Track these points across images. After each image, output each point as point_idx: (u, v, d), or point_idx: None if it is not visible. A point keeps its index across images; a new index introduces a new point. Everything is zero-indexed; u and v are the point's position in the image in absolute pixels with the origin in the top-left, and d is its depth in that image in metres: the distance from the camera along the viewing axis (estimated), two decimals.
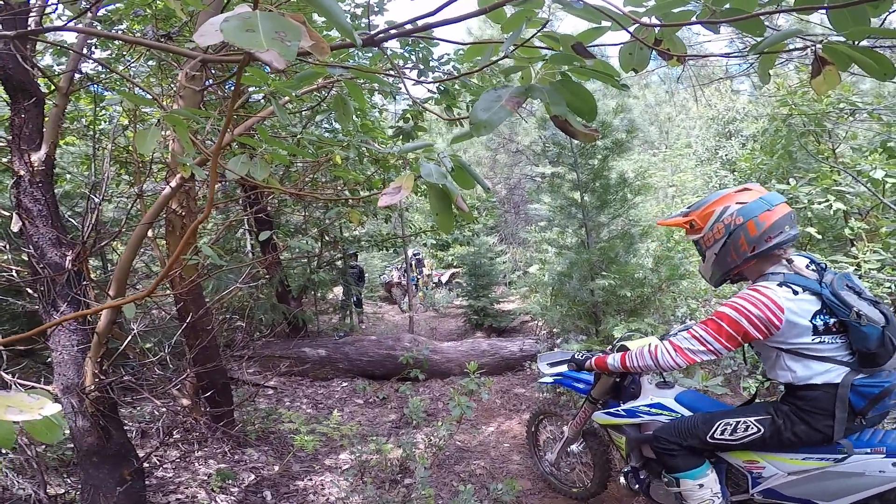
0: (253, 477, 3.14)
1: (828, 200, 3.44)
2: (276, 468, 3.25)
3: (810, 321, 1.59)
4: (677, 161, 11.17)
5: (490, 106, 0.71)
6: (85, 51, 2.86)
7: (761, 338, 1.61)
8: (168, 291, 2.62)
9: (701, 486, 1.86)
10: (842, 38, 0.73)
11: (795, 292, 1.59)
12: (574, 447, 2.73)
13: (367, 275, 10.29)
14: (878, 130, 4.04)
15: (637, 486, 2.30)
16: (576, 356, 2.23)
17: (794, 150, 4.24)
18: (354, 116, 3.49)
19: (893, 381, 1.61)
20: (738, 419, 1.78)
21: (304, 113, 4.11)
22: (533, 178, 10.65)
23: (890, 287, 3.01)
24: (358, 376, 5.33)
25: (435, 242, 8.83)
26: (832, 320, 1.60)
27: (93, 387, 2.05)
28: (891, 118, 4.00)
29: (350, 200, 3.78)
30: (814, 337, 1.60)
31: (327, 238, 6.55)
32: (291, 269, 6.50)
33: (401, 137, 3.74)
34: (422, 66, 3.24)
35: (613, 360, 2.00)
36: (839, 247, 3.88)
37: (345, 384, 5.18)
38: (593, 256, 4.12)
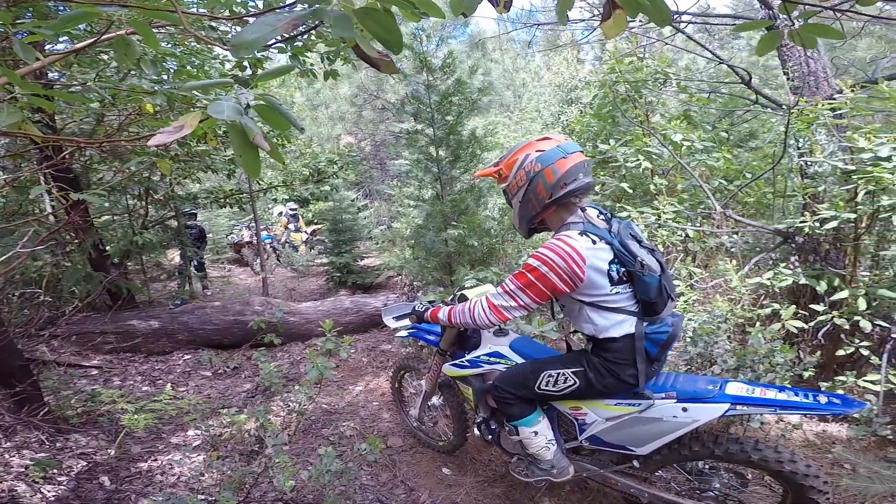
0: (84, 463, 2.74)
1: (638, 160, 3.98)
2: (112, 452, 2.86)
3: (607, 272, 1.61)
4: (527, 124, 12.02)
5: (262, 28, 0.64)
6: None
7: (567, 290, 1.62)
8: None
9: (535, 433, 1.93)
10: None
11: (594, 242, 1.61)
12: (434, 401, 2.78)
13: (210, 235, 9.25)
14: (683, 100, 4.78)
15: (490, 436, 2.35)
16: (416, 308, 2.22)
17: (618, 116, 4.81)
18: (182, 65, 2.96)
19: (674, 327, 1.70)
20: (558, 371, 1.82)
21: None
22: (396, 135, 10.49)
23: (681, 235, 3.66)
24: (203, 347, 4.84)
25: (288, 198, 8.22)
26: (622, 269, 1.64)
27: None
28: (693, 90, 4.77)
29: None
30: (611, 287, 1.62)
31: (154, 196, 5.63)
32: (110, 233, 5.49)
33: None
34: (239, 12, 2.82)
35: (443, 313, 1.99)
36: (647, 200, 4.57)
37: (187, 357, 4.66)
38: (446, 208, 4.26)
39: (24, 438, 2.79)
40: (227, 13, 2.72)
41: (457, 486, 2.58)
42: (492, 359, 2.19)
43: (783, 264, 3.06)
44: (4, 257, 2.41)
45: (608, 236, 1.64)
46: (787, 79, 3.64)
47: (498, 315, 1.73)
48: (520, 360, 2.10)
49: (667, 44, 4.96)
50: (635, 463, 1.91)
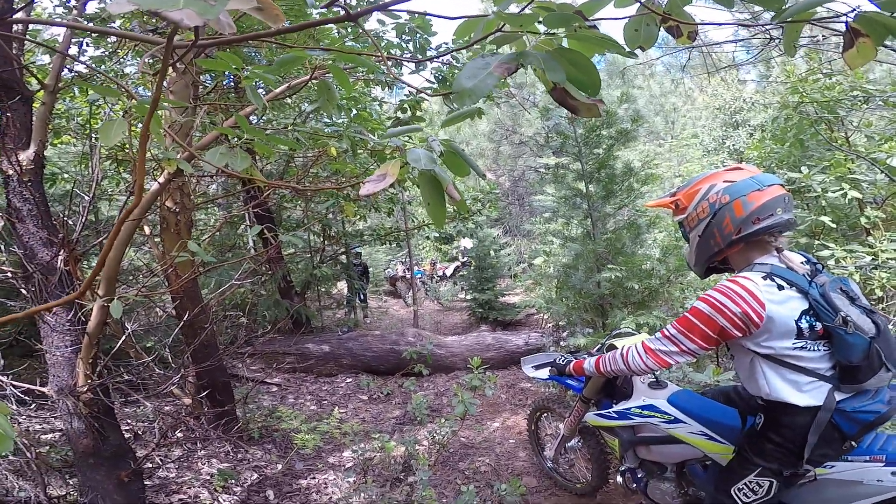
0: (255, 476, 3.11)
1: (842, 188, 3.32)
2: (279, 467, 3.22)
3: (795, 322, 1.40)
4: (683, 151, 11.02)
5: (476, 73, 0.64)
6: (74, 50, 2.82)
7: (740, 335, 1.43)
8: (163, 290, 2.57)
9: None
10: (876, 8, 0.64)
11: (781, 287, 1.41)
12: (571, 444, 2.68)
13: (371, 269, 10.26)
14: (892, 118, 3.91)
15: (635, 485, 2.22)
16: (557, 360, 2.15)
17: (806, 139, 4.11)
18: (351, 108, 3.40)
19: (890, 406, 1.45)
20: (742, 482, 1.59)
21: (304, 108, 4.04)
22: (537, 170, 10.53)
23: None
24: (362, 372, 5.30)
25: (438, 236, 8.73)
26: (818, 325, 1.41)
27: (85, 388, 2.01)
28: None
29: (346, 192, 3.70)
30: (796, 341, 1.41)
31: (329, 233, 6.50)
32: (294, 265, 6.47)
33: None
34: (419, 56, 3.14)
35: (590, 364, 1.89)
36: (853, 236, 3.76)
37: (349, 380, 5.15)
38: (599, 247, 4.03)
39: (215, 449, 3.26)
40: (395, 52, 3.04)
41: None
42: (644, 412, 2.02)
43: None
44: (223, 287, 2.98)
45: (804, 284, 1.41)
46: None
47: (656, 360, 1.57)
48: (679, 415, 1.91)
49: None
50: None
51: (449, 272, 11.58)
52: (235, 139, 1.23)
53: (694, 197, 1.58)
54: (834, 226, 3.54)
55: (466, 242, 9.31)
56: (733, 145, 10.18)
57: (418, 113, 3.76)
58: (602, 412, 2.20)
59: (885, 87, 4.00)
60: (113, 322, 2.33)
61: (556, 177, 4.42)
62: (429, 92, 3.03)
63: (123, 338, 2.20)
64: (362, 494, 2.66)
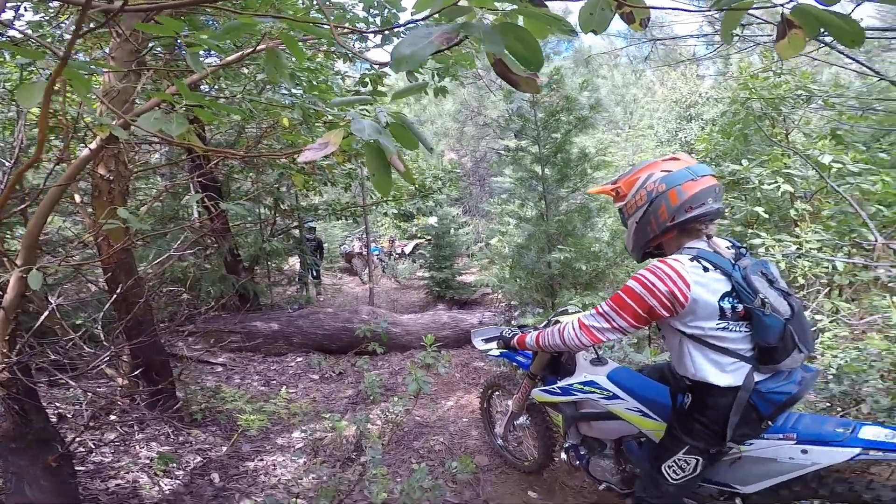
0: (199, 459, 3.01)
1: (776, 182, 3.52)
2: (224, 449, 3.13)
3: (718, 302, 1.47)
4: (639, 141, 11.38)
5: (417, 41, 0.63)
6: (10, 15, 2.53)
7: (667, 315, 1.50)
8: (92, 261, 2.39)
9: None
10: (812, 1, 0.66)
11: (706, 269, 1.48)
12: (520, 421, 2.73)
13: (326, 245, 10.03)
14: (830, 118, 4.17)
15: (578, 462, 2.30)
16: (504, 333, 2.19)
17: (750, 133, 4.32)
18: (310, 80, 3.24)
19: (801, 387, 1.55)
20: (672, 459, 1.68)
21: (258, 77, 3.82)
22: (498, 152, 10.56)
23: (827, 266, 3.14)
24: (313, 351, 5.20)
25: (397, 212, 8.65)
26: (740, 306, 1.49)
27: (1, 367, 1.85)
28: (843, 107, 4.13)
29: (295, 163, 3.53)
30: (719, 322, 1.49)
31: (282, 206, 6.26)
32: (243, 239, 6.21)
33: None
34: (386, 32, 3.01)
35: (531, 339, 1.94)
36: (783, 227, 4.02)
37: (299, 359, 5.05)
38: (551, 229, 4.12)
39: (154, 431, 3.11)
40: (361, 26, 2.92)
41: None
42: (586, 388, 2.09)
43: None
44: (160, 259, 2.80)
45: (728, 267, 1.49)
46: None
47: (589, 335, 1.64)
48: (617, 391, 2.00)
49: (811, 57, 4.33)
50: (738, 501, 1.79)
51: (408, 250, 11.51)
52: (179, 106, 1.13)
53: (633, 185, 1.64)
54: (767, 216, 3.76)
55: (433, 220, 9.25)
56: (685, 137, 10.59)
57: (380, 87, 3.63)
58: (547, 388, 2.26)
59: (828, 89, 4.24)
60: (35, 296, 2.15)
61: (515, 159, 4.44)
62: (378, 64, 2.92)
63: (46, 313, 2.03)
64: (312, 475, 2.63)
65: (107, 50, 2.84)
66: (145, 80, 2.46)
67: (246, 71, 3.94)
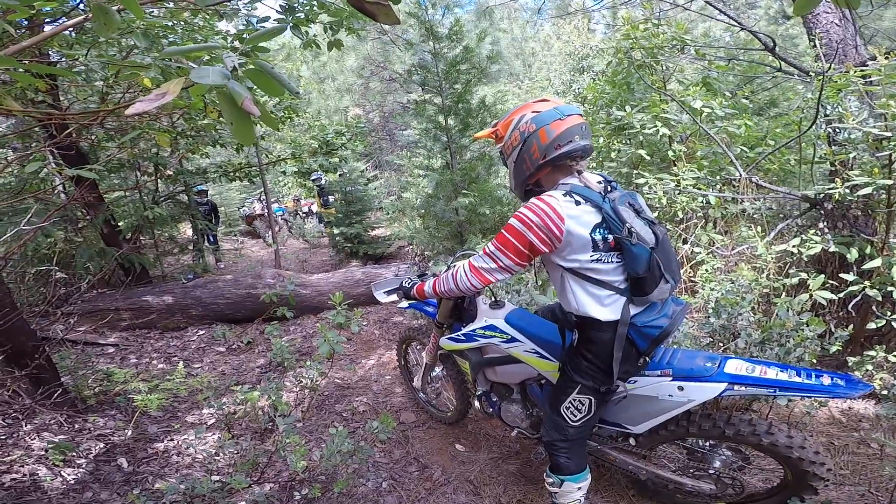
0: (102, 445, 2.77)
1: (656, 126, 3.83)
2: (129, 433, 2.90)
3: (590, 234, 1.53)
4: (537, 93, 11.71)
5: None
6: None
7: (546, 250, 1.56)
8: None
9: (580, 488, 1.84)
10: None
11: (578, 203, 1.54)
12: (435, 372, 2.73)
13: (223, 209, 9.27)
14: (701, 68, 4.56)
15: (490, 409, 2.30)
16: (403, 283, 2.14)
17: (633, 82, 4.60)
18: (167, 37, 2.85)
19: (672, 320, 1.61)
20: (567, 400, 1.74)
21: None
22: (404, 105, 10.28)
23: (702, 201, 3.54)
24: (216, 322, 4.89)
25: (297, 170, 8.14)
26: (610, 237, 1.55)
27: None
28: (712, 56, 4.53)
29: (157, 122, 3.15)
30: (593, 253, 1.54)
31: (163, 171, 5.60)
32: (119, 207, 5.51)
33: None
34: None
35: (429, 286, 1.93)
36: (664, 167, 4.42)
37: (201, 332, 4.72)
38: (456, 177, 4.19)
39: (44, 420, 2.81)
40: None
41: (470, 463, 2.57)
42: (487, 332, 2.10)
43: (812, 231, 2.93)
44: (9, 234, 2.39)
45: (598, 199, 1.56)
46: (814, 46, 3.41)
47: (479, 277, 1.67)
48: (514, 333, 2.02)
49: (686, 9, 4.66)
50: (632, 440, 1.90)
51: (315, 208, 11.01)
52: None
53: (508, 127, 1.68)
54: (649, 158, 4.11)
55: (330, 177, 8.85)
56: (578, 89, 11.06)
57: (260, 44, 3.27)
58: (453, 336, 2.24)
59: (701, 40, 4.60)
60: None
61: (420, 110, 4.37)
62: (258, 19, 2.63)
63: None
64: (231, 450, 2.52)
65: None
66: None
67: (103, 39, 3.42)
